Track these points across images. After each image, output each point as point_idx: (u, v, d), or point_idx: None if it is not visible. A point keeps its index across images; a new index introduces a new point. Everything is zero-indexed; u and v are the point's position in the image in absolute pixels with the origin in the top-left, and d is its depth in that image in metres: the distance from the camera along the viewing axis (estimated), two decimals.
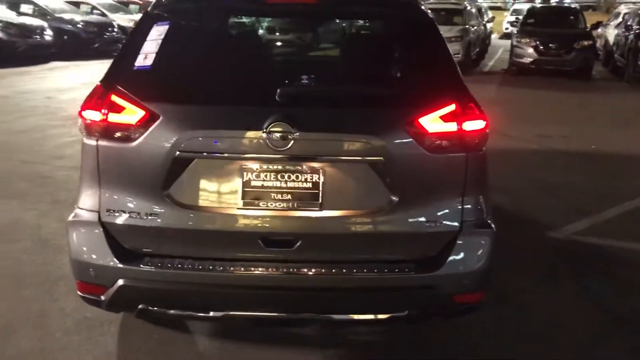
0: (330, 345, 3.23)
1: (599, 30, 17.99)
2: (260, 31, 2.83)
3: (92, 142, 2.62)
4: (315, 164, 2.51)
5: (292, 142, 2.44)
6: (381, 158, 2.48)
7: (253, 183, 2.53)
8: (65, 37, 17.20)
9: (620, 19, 16.95)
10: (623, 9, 18.33)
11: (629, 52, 13.96)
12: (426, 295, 2.57)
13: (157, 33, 2.68)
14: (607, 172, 6.86)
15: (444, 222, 2.58)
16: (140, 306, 2.60)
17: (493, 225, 2.68)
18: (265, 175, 2.52)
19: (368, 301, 2.59)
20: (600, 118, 10.06)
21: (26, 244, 4.47)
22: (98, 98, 2.61)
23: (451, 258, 2.56)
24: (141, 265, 2.57)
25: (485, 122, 2.59)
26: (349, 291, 2.54)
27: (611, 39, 16.59)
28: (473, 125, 2.56)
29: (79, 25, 17.63)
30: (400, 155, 2.49)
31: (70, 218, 2.72)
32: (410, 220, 2.56)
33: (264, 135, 2.44)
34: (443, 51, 2.71)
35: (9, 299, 3.68)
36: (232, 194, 2.54)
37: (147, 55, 2.64)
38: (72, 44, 17.10)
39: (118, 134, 2.56)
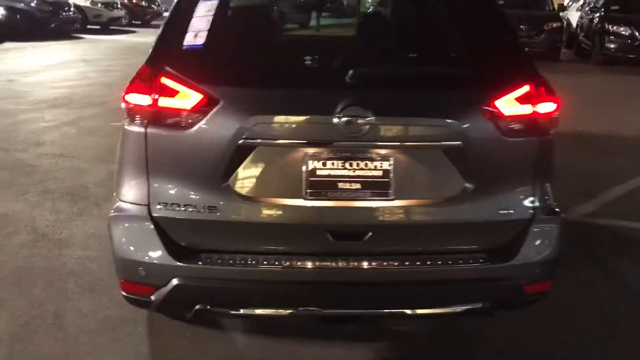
0: (371, 339, 3.09)
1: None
2: (326, 6, 2.64)
3: (139, 129, 2.39)
4: (387, 151, 2.35)
5: (366, 127, 2.27)
6: (459, 143, 2.34)
7: (319, 172, 2.36)
8: (18, 16, 16.29)
9: (582, 1, 17.23)
10: None
11: (595, 35, 14.22)
12: (500, 286, 2.46)
13: (206, 8, 2.45)
14: (598, 153, 6.94)
15: (518, 209, 2.48)
16: (197, 307, 2.40)
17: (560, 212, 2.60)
18: (333, 164, 2.35)
19: (443, 294, 2.47)
20: (576, 100, 10.17)
21: (24, 237, 4.17)
22: (146, 81, 2.37)
23: (525, 247, 2.46)
24: (199, 263, 2.37)
25: (556, 104, 2.48)
26: (422, 284, 2.41)
27: (574, 21, 16.86)
28: (546, 107, 2.45)
29: (32, 4, 16.73)
30: (477, 139, 2.37)
31: (113, 212, 2.49)
32: (484, 208, 2.44)
33: (336, 120, 2.27)
34: (509, 29, 2.59)
35: (20, 299, 3.40)
36: (297, 184, 2.36)
37: (197, 33, 2.41)
38: (26, 24, 16.20)
39: (171, 121, 2.34)
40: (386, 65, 2.41)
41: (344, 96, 2.27)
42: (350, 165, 2.36)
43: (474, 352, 3.08)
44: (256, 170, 2.36)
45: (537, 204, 2.51)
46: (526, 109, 2.42)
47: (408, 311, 2.46)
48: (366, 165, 2.36)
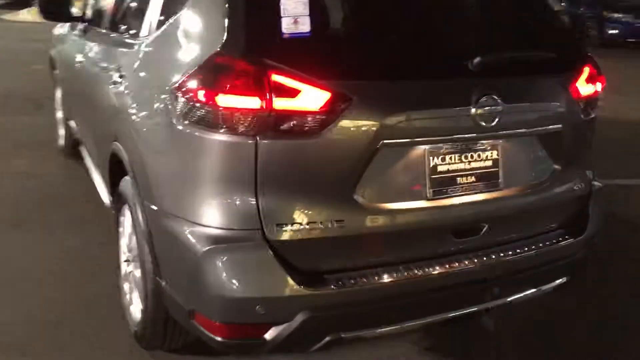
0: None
1: None
2: None
3: (243, 140, 1.94)
4: (497, 140, 2.30)
5: (498, 116, 2.20)
6: (560, 126, 2.41)
7: (439, 168, 2.21)
8: None
9: None
10: None
11: None
12: (579, 259, 2.60)
13: None
14: None
15: (585, 184, 2.64)
16: (327, 338, 2.09)
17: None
18: (451, 158, 2.23)
19: (547, 274, 2.53)
20: None
21: None
22: (247, 78, 1.92)
23: (591, 219, 2.63)
24: (332, 287, 2.04)
25: (602, 83, 2.66)
26: (532, 269, 2.44)
27: None
28: (599, 86, 2.62)
29: None
30: (570, 121, 2.46)
31: (205, 246, 2.00)
32: (567, 187, 2.55)
33: (474, 110, 2.15)
34: (559, 11, 2.69)
35: None
36: (420, 184, 2.18)
37: (296, 19, 2.01)
38: None
39: (291, 126, 1.94)
40: (504, 49, 2.35)
41: (477, 84, 2.17)
42: (466, 157, 2.26)
43: None
44: (381, 174, 2.11)
45: (591, 177, 2.71)
46: (591, 89, 2.56)
47: (521, 294, 2.46)
48: (479, 156, 2.28)
